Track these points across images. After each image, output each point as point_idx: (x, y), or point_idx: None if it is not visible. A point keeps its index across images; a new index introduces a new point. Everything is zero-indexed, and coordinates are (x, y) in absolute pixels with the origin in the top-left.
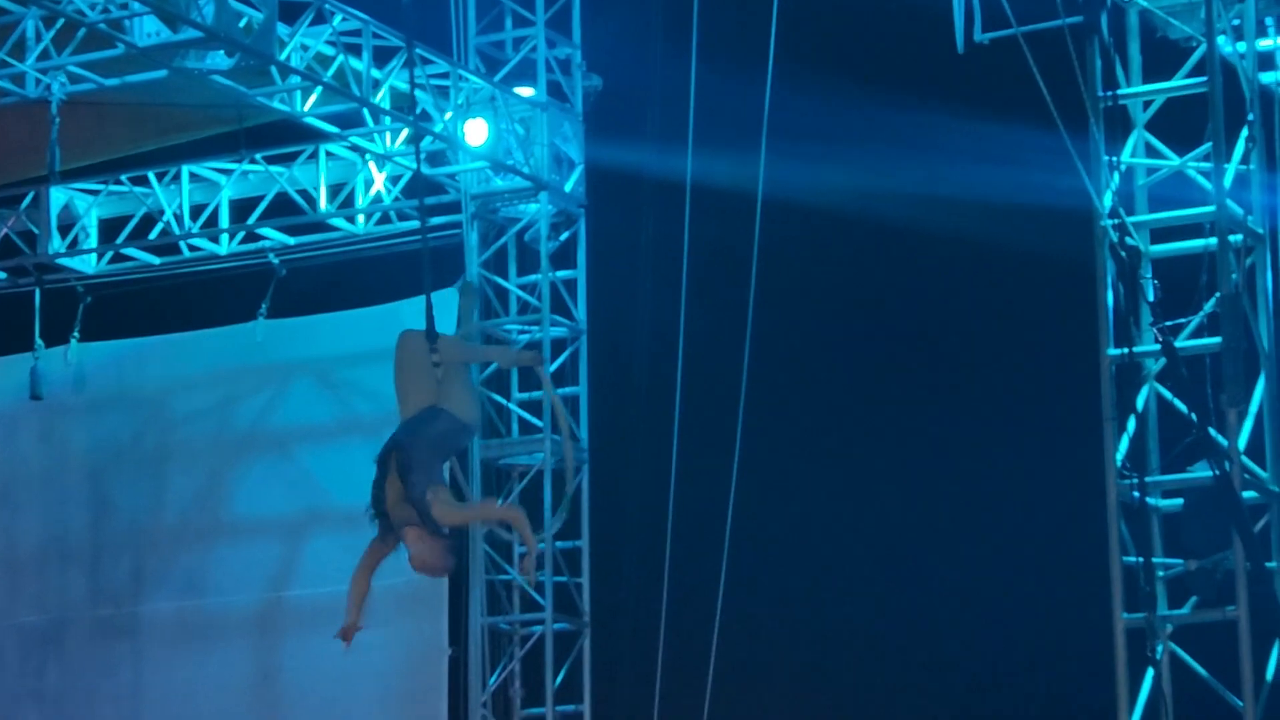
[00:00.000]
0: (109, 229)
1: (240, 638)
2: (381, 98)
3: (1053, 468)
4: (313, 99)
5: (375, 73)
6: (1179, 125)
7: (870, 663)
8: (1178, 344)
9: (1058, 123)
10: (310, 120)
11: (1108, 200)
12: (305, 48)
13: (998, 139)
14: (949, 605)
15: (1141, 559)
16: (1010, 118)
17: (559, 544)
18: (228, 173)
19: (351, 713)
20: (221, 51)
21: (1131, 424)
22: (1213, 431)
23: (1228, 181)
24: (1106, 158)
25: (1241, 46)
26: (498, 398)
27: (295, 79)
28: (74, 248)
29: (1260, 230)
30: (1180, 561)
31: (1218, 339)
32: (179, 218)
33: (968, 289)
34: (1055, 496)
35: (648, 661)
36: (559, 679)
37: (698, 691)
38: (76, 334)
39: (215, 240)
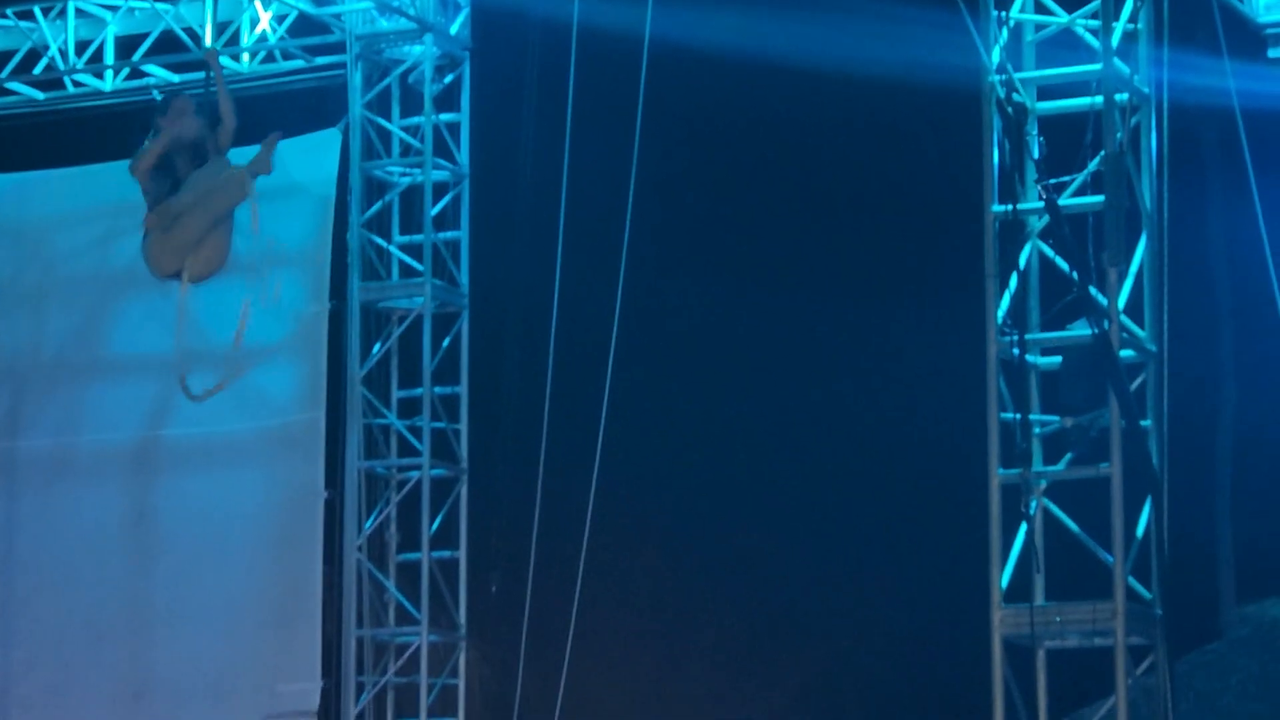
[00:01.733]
0: None
1: (116, 476)
2: None
3: (933, 324)
4: None
5: None
6: None
7: (745, 509)
8: (1061, 202)
9: None
10: None
11: (995, 56)
12: None
13: None
14: (828, 460)
15: (1019, 415)
16: None
17: (437, 389)
18: (114, 9)
19: (226, 554)
20: None
21: (1013, 281)
22: (1093, 290)
23: (1115, 40)
24: (995, 13)
25: None
26: (378, 239)
27: None
28: None
29: (1146, 90)
30: (1057, 418)
31: (1100, 198)
32: (64, 53)
33: (853, 142)
34: (935, 352)
35: (524, 509)
36: (435, 525)
37: (574, 539)
38: None
39: (100, 76)
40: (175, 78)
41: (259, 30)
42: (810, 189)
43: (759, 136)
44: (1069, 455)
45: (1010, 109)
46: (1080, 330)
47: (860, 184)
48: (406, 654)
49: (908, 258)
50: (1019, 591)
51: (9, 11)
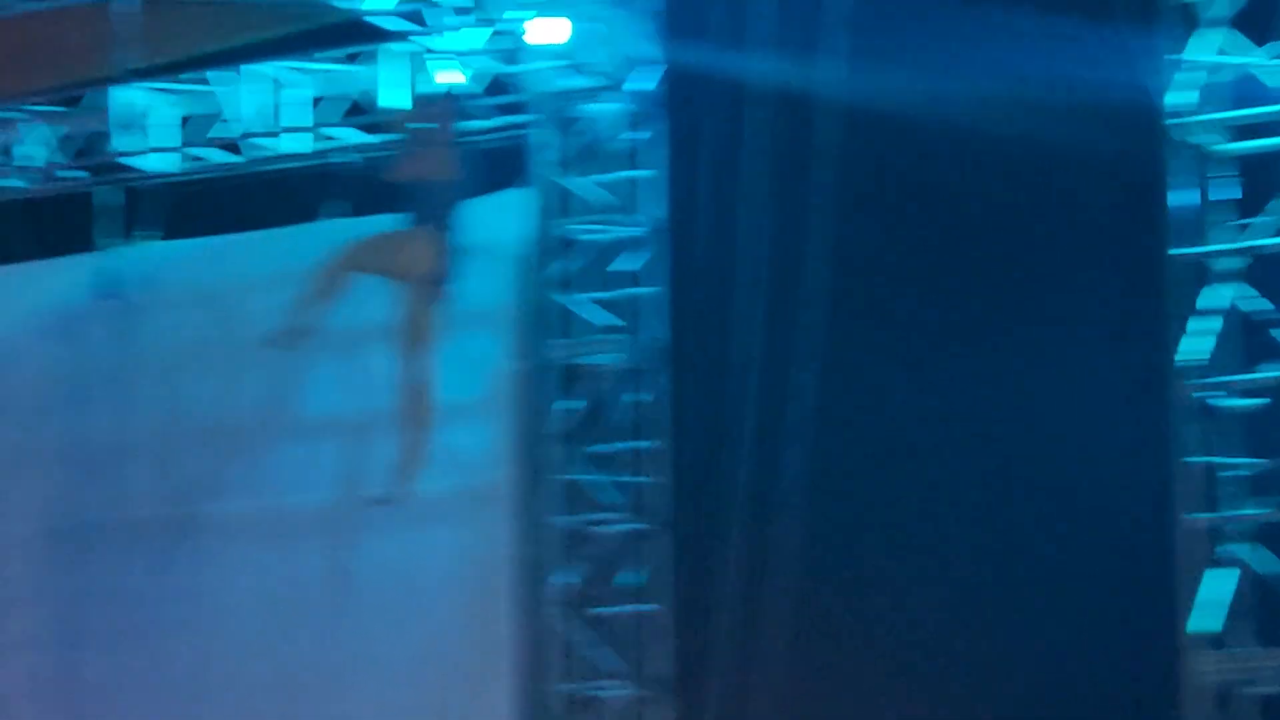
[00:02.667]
0: (177, 128)
1: (310, 538)
2: None
3: (1121, 368)
4: None
5: None
6: (1252, 20)
7: (940, 556)
8: (1248, 242)
9: (1126, 17)
10: (379, 20)
11: (1177, 97)
12: None
13: (1064, 34)
14: (1019, 508)
15: (1208, 459)
16: (1076, 12)
17: (639, 444)
18: (298, 72)
19: (421, 613)
20: None
21: (1201, 323)
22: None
23: None
24: (1174, 56)
25: None
26: (572, 296)
27: None
28: (143, 147)
29: None
30: (1249, 460)
31: None
32: (247, 117)
33: (1034, 189)
34: (1124, 397)
35: (726, 565)
36: (634, 579)
37: (778, 591)
38: (147, 233)
39: (284, 138)
40: (369, 139)
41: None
42: (995, 235)
43: (947, 187)
44: (1259, 499)
45: (1194, 150)
46: (1271, 371)
47: (1038, 229)
48: (608, 710)
49: (1089, 302)
50: (1212, 637)
51: (193, 77)
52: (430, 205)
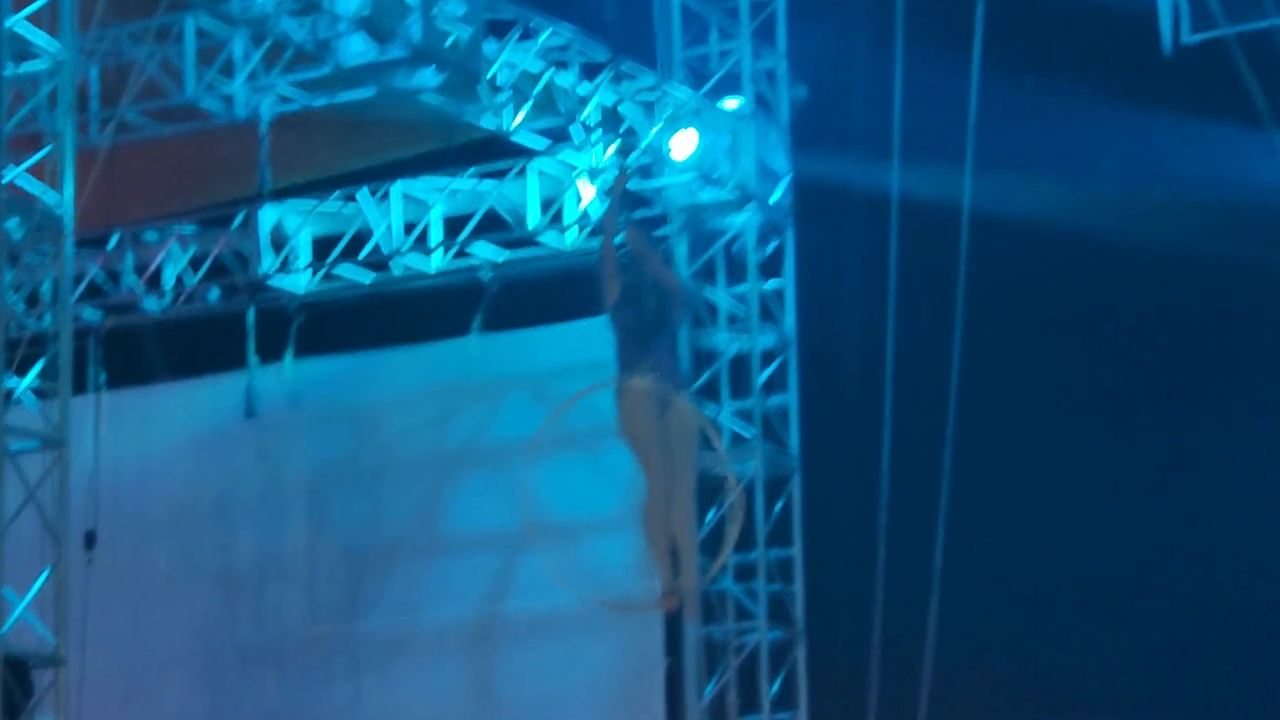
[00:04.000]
0: (320, 247)
1: (457, 652)
2: (589, 113)
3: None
4: (521, 115)
5: (582, 88)
6: None
7: (1089, 668)
8: None
9: (1271, 123)
10: (518, 137)
11: None
12: (512, 65)
13: (1209, 143)
14: (1175, 587)
15: None
16: (1221, 120)
17: (772, 553)
18: (438, 190)
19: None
20: (430, 69)
21: None
22: None
23: None
24: None
25: None
26: (711, 405)
27: (503, 95)
28: (286, 266)
29: None
30: None
31: None
32: (390, 235)
33: (1182, 298)
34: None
35: (862, 670)
36: (774, 689)
37: (912, 701)
38: (290, 351)
39: (426, 256)
40: (500, 256)
41: (583, 206)
42: (1135, 346)
43: (1085, 298)
44: None
45: None
46: None
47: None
48: None
49: (1252, 407)
50: None
51: (334, 196)
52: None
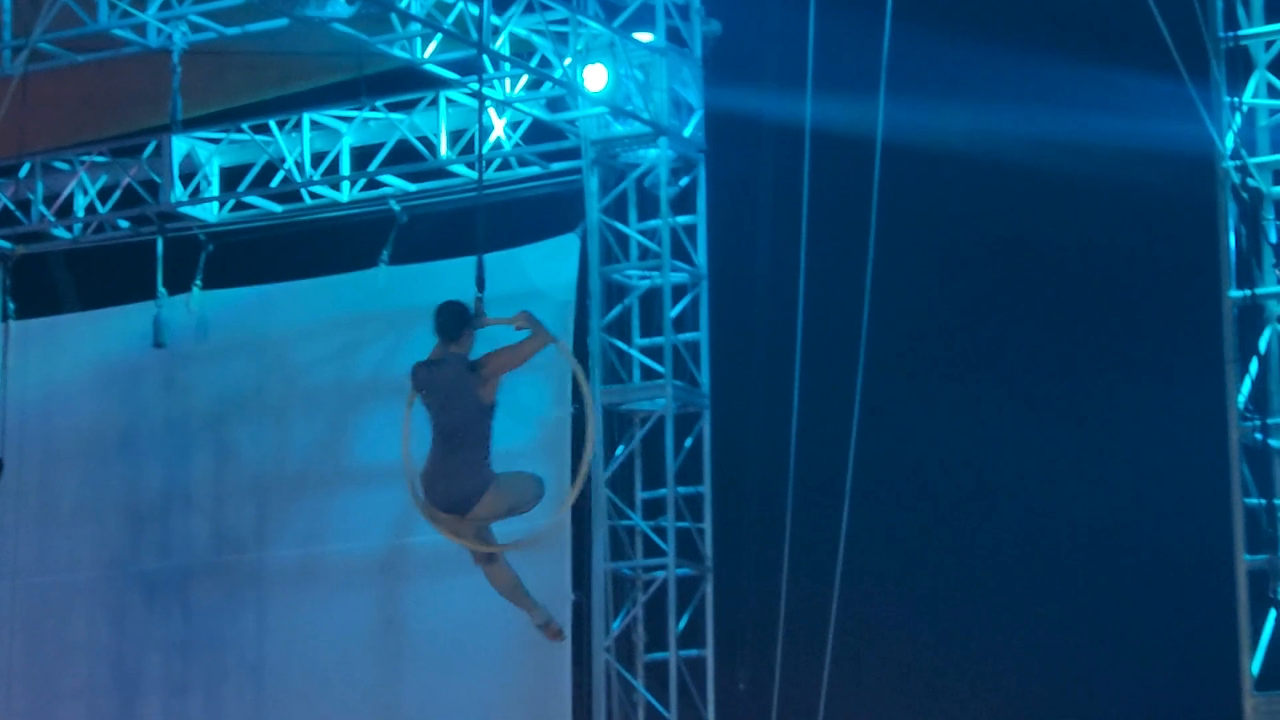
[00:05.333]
0: (230, 177)
1: (363, 583)
2: (501, 44)
3: (1174, 411)
4: (432, 46)
5: (495, 19)
6: None
7: (991, 601)
8: None
9: (1178, 65)
10: (430, 67)
11: (1229, 142)
12: None
13: (1117, 83)
14: (1070, 549)
15: (1264, 500)
16: (1130, 61)
17: (681, 489)
18: (348, 120)
19: (475, 658)
20: None
21: (1254, 366)
22: None
23: None
24: (1228, 99)
25: None
26: (618, 343)
27: (415, 26)
28: (196, 196)
29: None
30: None
31: None
32: (300, 165)
33: (1087, 232)
34: (1176, 439)
35: (771, 606)
36: (682, 624)
37: (820, 635)
38: (199, 282)
39: (336, 188)
40: (411, 187)
41: (494, 138)
42: (1043, 278)
43: (990, 228)
44: None
45: (1245, 194)
46: None
47: (1094, 271)
48: None
49: (1145, 344)
50: (1271, 678)
51: (245, 126)
52: None
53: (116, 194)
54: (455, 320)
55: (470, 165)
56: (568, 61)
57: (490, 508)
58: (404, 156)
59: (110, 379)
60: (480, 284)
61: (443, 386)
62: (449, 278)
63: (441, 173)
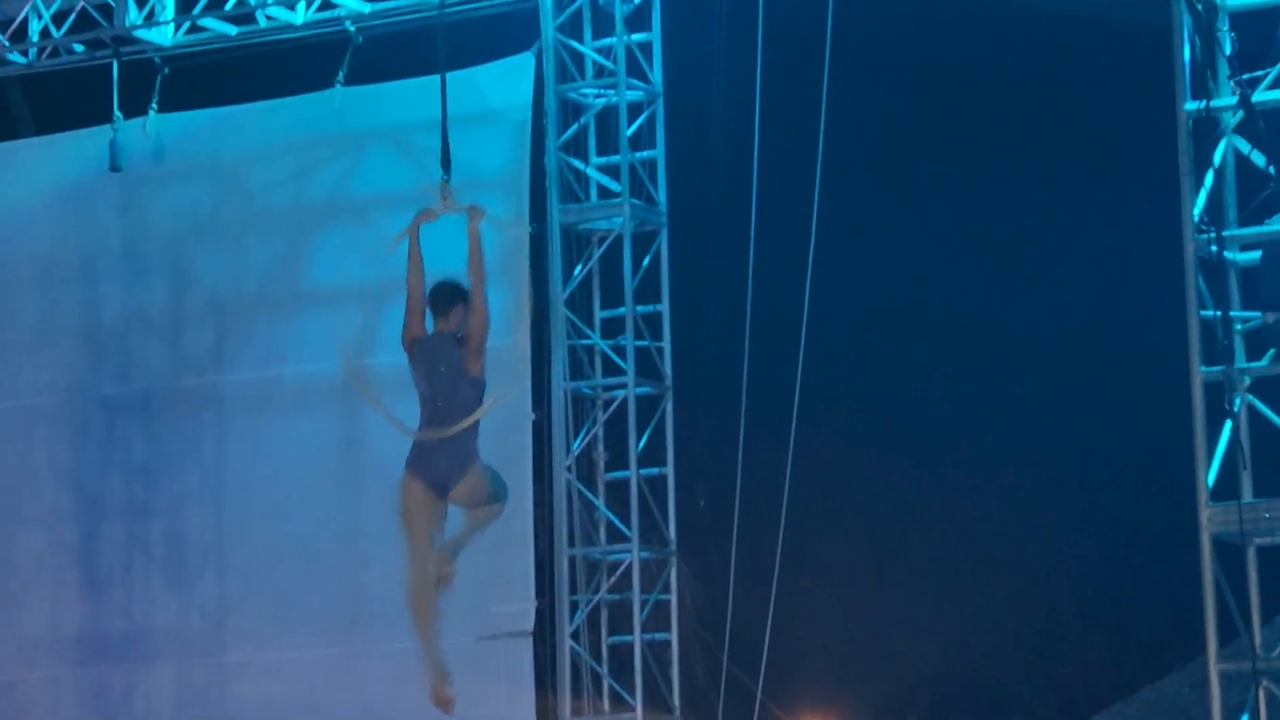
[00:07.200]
0: (185, 0)
1: (323, 406)
2: None
3: (1130, 225)
4: None
5: None
6: None
7: (950, 413)
8: (1255, 97)
9: None
10: None
11: None
12: None
13: None
14: (1027, 365)
15: (1219, 312)
16: None
17: (639, 308)
18: None
19: None
20: None
21: (1209, 178)
22: None
23: None
24: None
25: None
26: (575, 162)
27: None
28: (151, 20)
29: None
30: (1258, 314)
31: None
32: None
33: (1040, 49)
34: (1132, 252)
35: (730, 423)
36: (642, 443)
37: (780, 451)
38: (155, 105)
39: (291, 9)
40: (366, 8)
41: None
42: (999, 98)
43: (947, 46)
44: (1271, 351)
45: (1200, 5)
46: (1279, 225)
47: (1048, 88)
48: (618, 571)
49: (1101, 159)
50: (1226, 489)
51: None
52: None
53: (71, 18)
54: (447, 295)
55: None
56: None
57: (468, 490)
58: None
59: (67, 203)
60: (446, 165)
61: (433, 359)
62: (404, 98)
63: None
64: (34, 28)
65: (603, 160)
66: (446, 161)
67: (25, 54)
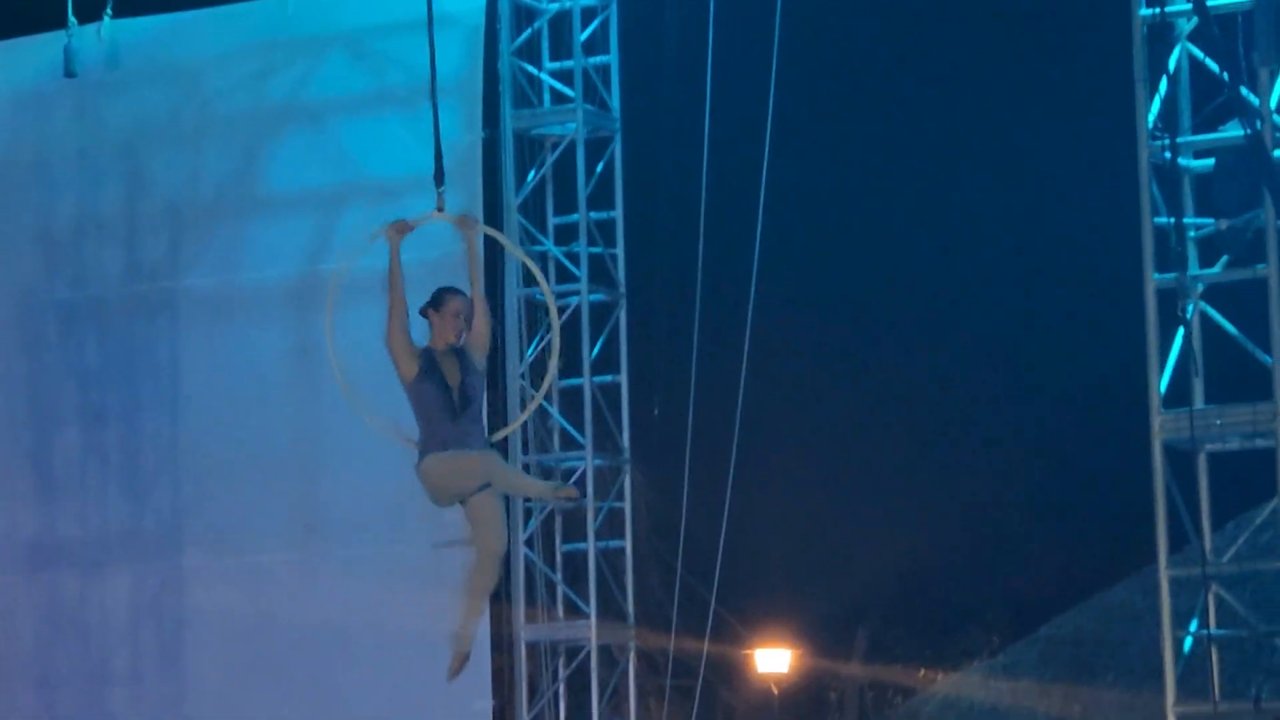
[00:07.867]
0: None
1: (279, 311)
2: None
3: (1084, 130)
4: None
5: None
6: None
7: (903, 322)
8: (1209, 2)
9: None
10: None
11: None
12: None
13: None
14: (982, 269)
15: (1173, 219)
16: None
17: (593, 215)
18: None
19: (392, 384)
20: None
21: (1163, 85)
22: (1244, 90)
23: None
24: None
25: None
26: (529, 67)
27: None
28: None
29: None
30: (1211, 221)
31: None
32: None
33: None
34: (1087, 159)
35: (684, 331)
36: (596, 350)
37: (734, 359)
38: (109, 10)
39: None
40: None
41: None
42: (955, 3)
43: None
44: (1225, 258)
45: None
46: (1233, 131)
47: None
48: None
49: (1055, 66)
50: (1178, 396)
51: None
52: None
53: None
54: (449, 289)
55: None
56: None
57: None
58: None
59: (21, 109)
60: (439, 177)
61: (448, 370)
62: (359, 2)
63: None
64: None
65: (556, 65)
66: (440, 173)
67: None
